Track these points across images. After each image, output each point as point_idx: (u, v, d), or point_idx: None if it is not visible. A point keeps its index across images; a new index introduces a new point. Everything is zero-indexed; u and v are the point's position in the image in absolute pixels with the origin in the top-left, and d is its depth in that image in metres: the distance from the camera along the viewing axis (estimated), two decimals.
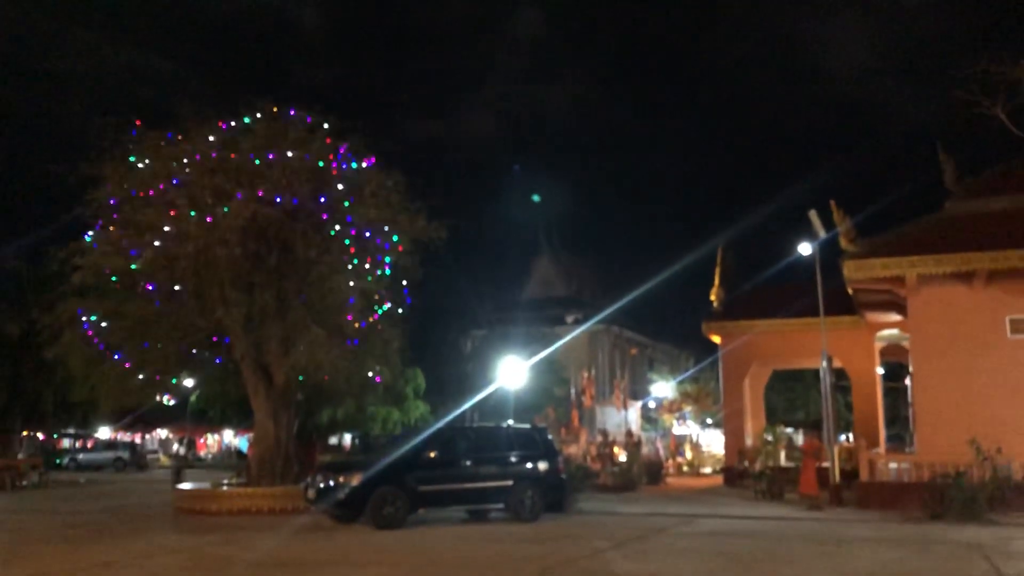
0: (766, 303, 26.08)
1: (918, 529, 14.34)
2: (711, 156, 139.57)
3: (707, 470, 31.39)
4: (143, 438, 53.39)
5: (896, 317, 22.78)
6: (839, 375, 26.22)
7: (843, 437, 33.62)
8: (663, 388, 41.84)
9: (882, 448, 24.71)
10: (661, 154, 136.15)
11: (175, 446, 53.89)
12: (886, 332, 25.23)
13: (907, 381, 26.80)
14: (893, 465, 18.54)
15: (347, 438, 47.95)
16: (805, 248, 20.43)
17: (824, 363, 19.96)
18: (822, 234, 19.53)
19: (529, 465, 16.38)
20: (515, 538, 13.45)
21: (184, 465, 18.35)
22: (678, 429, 37.42)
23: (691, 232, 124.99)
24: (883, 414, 27.62)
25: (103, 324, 18.20)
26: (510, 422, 19.94)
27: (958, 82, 20.34)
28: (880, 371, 27.23)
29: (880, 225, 19.59)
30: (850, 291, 20.44)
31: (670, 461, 31.41)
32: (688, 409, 36.64)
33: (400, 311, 20.74)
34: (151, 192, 17.73)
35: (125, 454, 43.82)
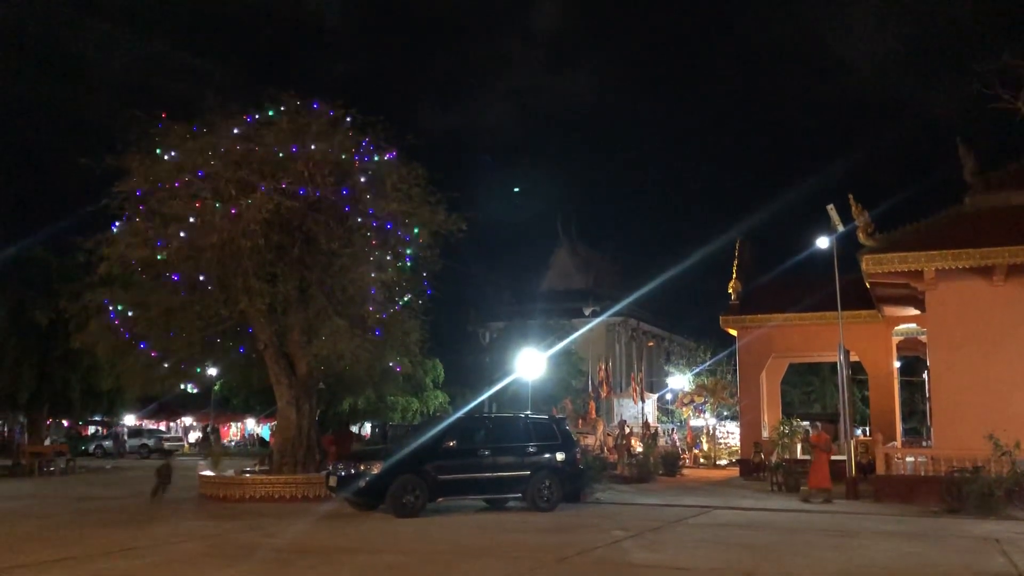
0: (783, 296, 26.11)
1: (935, 523, 14.41)
2: (730, 149, 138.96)
3: (723, 462, 31.46)
4: (167, 426, 53.99)
5: (914, 311, 22.78)
6: (856, 369, 26.25)
7: (860, 431, 33.57)
8: (680, 380, 41.87)
9: (899, 442, 24.73)
10: (680, 146, 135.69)
11: (194, 434, 54.45)
12: (904, 326, 25.22)
13: (924, 375, 26.75)
14: (910, 459, 18.59)
15: (367, 427, 48.39)
16: (823, 242, 20.48)
17: (841, 357, 20.02)
18: (840, 228, 19.58)
19: (547, 455, 16.56)
20: (532, 527, 13.65)
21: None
22: (695, 421, 37.46)
23: (709, 225, 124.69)
24: (900, 408, 27.63)
25: (129, 313, 18.49)
26: (528, 413, 20.11)
27: (979, 76, 20.26)
28: (897, 365, 27.21)
29: (898, 219, 19.64)
30: (868, 285, 20.45)
31: (686, 453, 31.51)
32: (703, 401, 36.65)
33: (420, 302, 20.96)
34: (176, 184, 17.98)
35: (151, 441, 44.36)
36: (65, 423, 45.36)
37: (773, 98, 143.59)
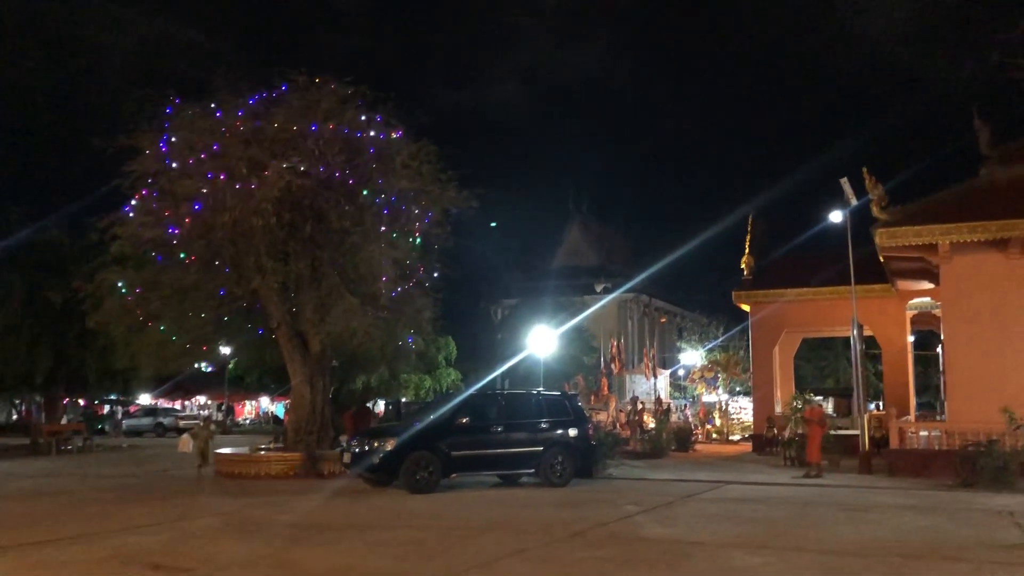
0: (796, 271, 26.03)
1: (948, 496, 14.38)
2: (742, 123, 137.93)
3: (736, 437, 31.53)
4: (182, 404, 54.39)
5: (928, 285, 22.66)
6: (869, 343, 26.19)
7: (873, 405, 33.53)
8: (692, 356, 41.90)
9: (912, 416, 24.69)
10: (691, 121, 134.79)
11: (204, 412, 54.82)
12: (918, 300, 25.11)
13: (938, 349, 26.65)
14: (924, 433, 18.56)
15: (380, 405, 48.67)
16: (836, 216, 20.35)
17: (854, 331, 19.96)
18: (853, 202, 19.43)
19: (559, 431, 16.60)
20: (545, 503, 13.71)
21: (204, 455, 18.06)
22: (707, 397, 37.50)
23: (721, 200, 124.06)
24: (913, 382, 27.56)
25: (142, 292, 18.60)
26: (540, 389, 20.16)
27: (996, 46, 20.00)
28: (911, 339, 27.12)
29: (913, 192, 19.48)
30: (881, 259, 20.33)
31: (699, 428, 31.57)
32: (713, 376, 36.69)
33: (432, 279, 20.99)
34: (191, 161, 18.01)
35: (167, 420, 44.71)
36: (81, 402, 45.76)
37: (786, 70, 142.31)
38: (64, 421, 35.37)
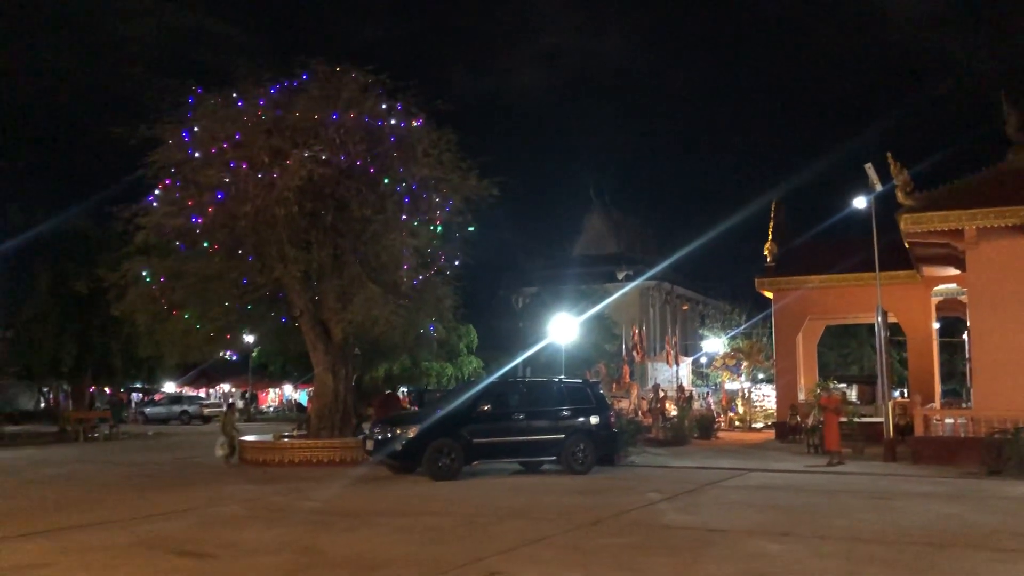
0: (820, 258, 25.84)
1: (974, 484, 14.25)
2: (765, 108, 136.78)
3: (759, 425, 31.40)
4: (207, 392, 54.88)
5: (954, 271, 22.41)
6: (894, 330, 25.97)
7: (897, 393, 33.29)
8: (714, 344, 41.73)
9: (937, 403, 24.48)
10: (713, 107, 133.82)
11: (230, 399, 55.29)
12: (943, 287, 24.86)
13: (964, 336, 26.37)
14: (949, 420, 18.40)
15: (401, 392, 48.89)
16: (860, 202, 20.16)
17: (879, 318, 19.78)
18: (878, 187, 19.23)
19: (581, 419, 16.60)
20: (567, 490, 13.73)
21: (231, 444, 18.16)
22: (730, 384, 37.35)
23: (744, 187, 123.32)
24: (939, 369, 27.32)
25: (166, 282, 18.76)
26: (561, 377, 20.15)
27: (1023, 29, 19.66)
28: (936, 326, 26.86)
29: (938, 177, 19.22)
30: (906, 245, 20.13)
31: (721, 416, 31.46)
32: (735, 364, 36.51)
33: (453, 268, 21.01)
34: (213, 150, 18.10)
35: (191, 408, 45.09)
36: (107, 390, 46.30)
37: (811, 55, 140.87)
38: (93, 408, 35.82)
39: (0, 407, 37.91)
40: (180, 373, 42.63)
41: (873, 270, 19.67)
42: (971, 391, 22.04)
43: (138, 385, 47.18)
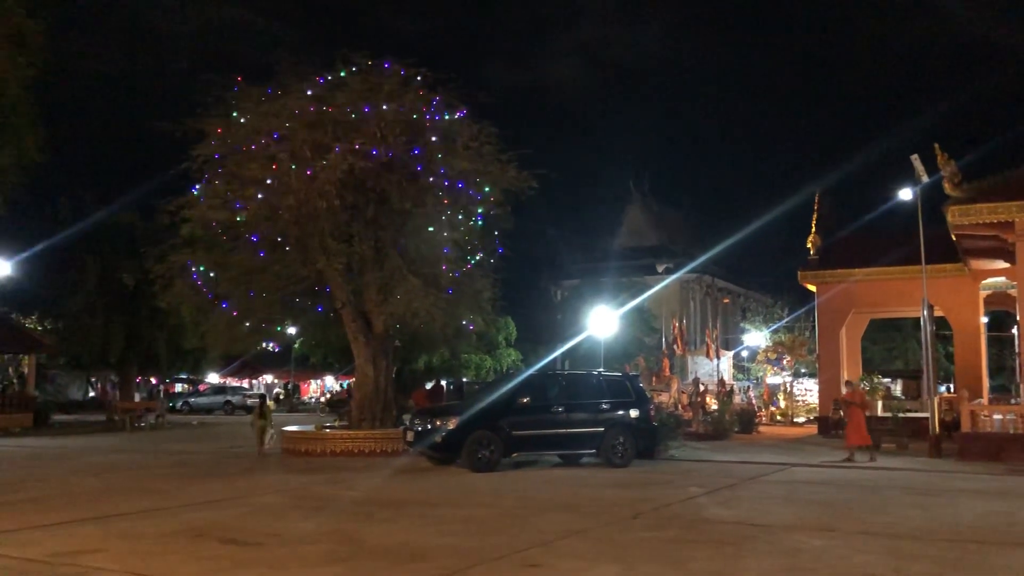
0: (864, 250, 25.45)
1: (1023, 482, 13.98)
2: (809, 99, 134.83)
3: (801, 419, 31.05)
4: (249, 383, 55.68)
5: (1003, 264, 21.93)
6: (940, 324, 25.50)
7: (943, 388, 32.70)
8: (756, 337, 41.34)
9: (985, 399, 24.01)
10: (755, 97, 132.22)
11: (274, 390, 55.88)
12: (992, 280, 24.35)
13: (1014, 330, 25.82)
14: (997, 416, 18.03)
15: (441, 384, 49.12)
16: (906, 193, 19.84)
17: (925, 312, 19.46)
18: (925, 179, 18.90)
19: (620, 412, 16.56)
20: (607, 483, 13.71)
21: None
22: (771, 378, 36.99)
23: (786, 179, 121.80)
24: (987, 364, 26.78)
25: (211, 274, 19.04)
26: (601, 370, 20.11)
27: None
28: (984, 320, 26.33)
29: (987, 168, 18.80)
30: (953, 237, 19.75)
31: (763, 410, 31.17)
32: (777, 358, 36.15)
33: (492, 261, 21.07)
34: (253, 147, 18.32)
35: (235, 398, 45.79)
36: (153, 380, 47.22)
37: (855, 44, 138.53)
38: (138, 398, 36.57)
39: (51, 397, 38.86)
40: (224, 364, 43.31)
41: (919, 263, 19.34)
42: (1020, 387, 21.58)
43: (183, 376, 47.96)
